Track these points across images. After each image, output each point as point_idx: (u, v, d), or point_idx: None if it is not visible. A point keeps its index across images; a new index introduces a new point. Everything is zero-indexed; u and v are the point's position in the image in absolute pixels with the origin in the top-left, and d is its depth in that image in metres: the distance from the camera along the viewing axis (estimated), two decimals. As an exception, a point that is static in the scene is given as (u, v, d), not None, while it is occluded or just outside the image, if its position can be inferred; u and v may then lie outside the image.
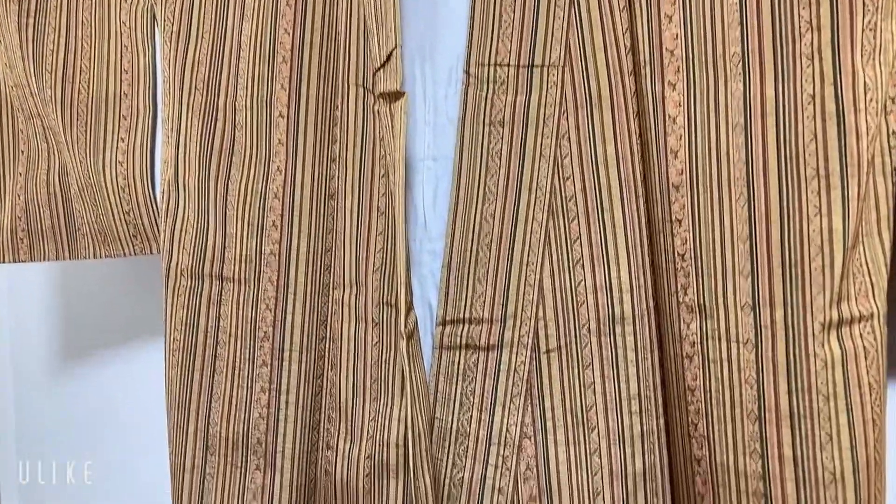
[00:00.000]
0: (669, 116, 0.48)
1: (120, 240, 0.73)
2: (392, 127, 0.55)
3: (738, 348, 0.45)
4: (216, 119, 0.63)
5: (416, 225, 0.60)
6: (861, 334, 0.43)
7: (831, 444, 0.43)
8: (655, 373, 0.51)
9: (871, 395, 0.43)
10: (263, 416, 0.62)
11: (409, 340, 0.56)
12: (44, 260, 0.80)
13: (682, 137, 0.47)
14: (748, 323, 0.45)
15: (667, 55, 0.48)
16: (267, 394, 0.62)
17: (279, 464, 0.62)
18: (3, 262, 0.79)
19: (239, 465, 0.62)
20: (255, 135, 0.62)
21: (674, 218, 0.47)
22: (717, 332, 0.46)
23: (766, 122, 0.45)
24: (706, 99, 0.47)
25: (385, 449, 0.57)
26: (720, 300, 0.45)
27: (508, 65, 0.52)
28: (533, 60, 0.52)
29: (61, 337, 1.04)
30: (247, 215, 0.62)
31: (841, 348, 0.43)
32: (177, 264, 0.64)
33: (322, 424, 0.62)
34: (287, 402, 0.62)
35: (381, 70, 0.57)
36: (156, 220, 0.71)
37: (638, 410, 0.51)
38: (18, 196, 0.78)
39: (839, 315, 0.43)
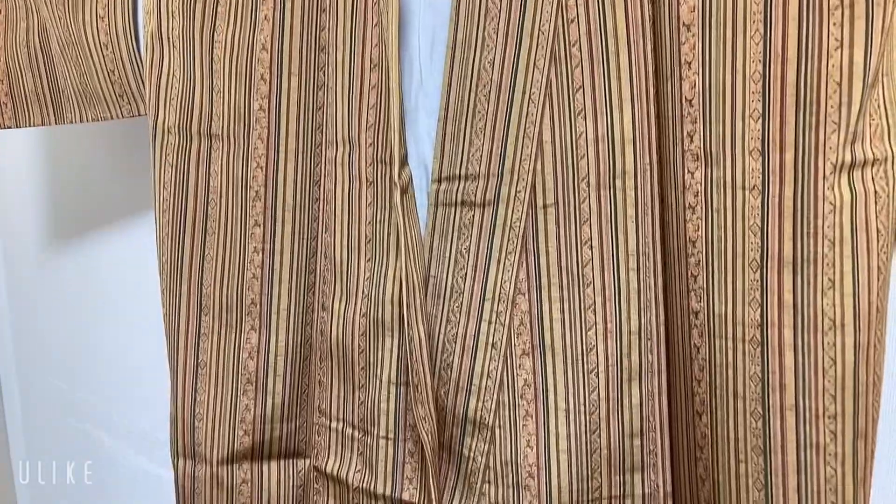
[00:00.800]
0: None
1: (106, 101, 0.71)
2: (385, -36, 0.52)
3: (744, 195, 0.43)
4: (199, -35, 0.59)
5: (412, 80, 0.57)
6: (873, 178, 0.41)
7: (833, 289, 0.41)
8: (655, 229, 0.49)
9: (878, 241, 0.41)
10: (257, 277, 0.61)
11: (403, 194, 0.55)
12: (29, 125, 0.78)
13: None
14: (756, 168, 0.43)
15: None
16: (260, 254, 0.61)
17: (274, 324, 0.62)
18: (-13, 126, 0.77)
19: (234, 325, 0.62)
20: (241, -19, 0.58)
21: (683, 60, 0.44)
22: (722, 180, 0.44)
23: None
24: None
25: (380, 306, 0.57)
26: (728, 145, 0.43)
27: None
28: None
29: (49, 215, 1.03)
30: (234, 68, 0.59)
31: (851, 191, 0.41)
32: (163, 121, 0.62)
33: (317, 286, 0.62)
34: (281, 263, 0.61)
35: None
36: (142, 78, 0.68)
37: (636, 267, 0.50)
38: (-2, 57, 0.75)
39: (852, 156, 0.41)
